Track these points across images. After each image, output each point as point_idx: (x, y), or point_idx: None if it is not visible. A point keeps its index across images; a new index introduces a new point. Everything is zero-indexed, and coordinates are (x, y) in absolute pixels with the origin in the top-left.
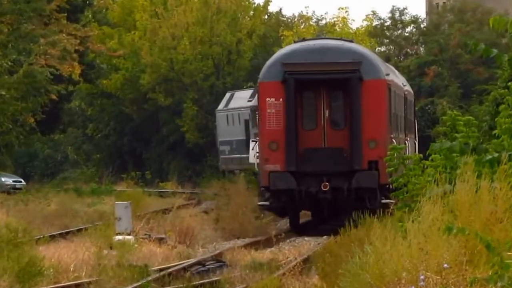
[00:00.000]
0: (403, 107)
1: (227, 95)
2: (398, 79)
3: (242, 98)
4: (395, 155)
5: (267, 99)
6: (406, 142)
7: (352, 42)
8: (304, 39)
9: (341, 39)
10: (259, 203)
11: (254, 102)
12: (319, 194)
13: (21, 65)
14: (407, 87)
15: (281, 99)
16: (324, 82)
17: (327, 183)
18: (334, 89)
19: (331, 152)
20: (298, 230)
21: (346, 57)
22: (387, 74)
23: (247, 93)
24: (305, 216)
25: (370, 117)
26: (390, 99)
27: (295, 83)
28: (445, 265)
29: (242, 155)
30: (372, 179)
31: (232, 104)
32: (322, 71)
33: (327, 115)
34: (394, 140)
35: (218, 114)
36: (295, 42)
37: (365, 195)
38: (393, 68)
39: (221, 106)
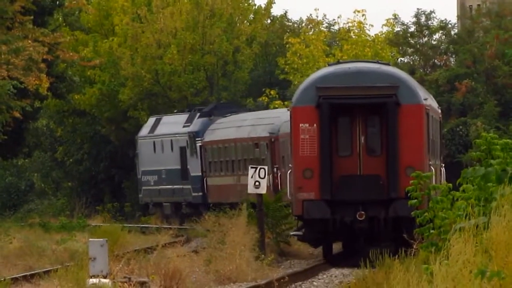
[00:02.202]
0: (439, 132)
1: (152, 120)
2: (434, 102)
3: (174, 123)
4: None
5: (300, 125)
6: (442, 169)
7: (389, 65)
8: (339, 62)
9: (377, 62)
10: (292, 233)
11: (192, 127)
12: (354, 224)
13: None
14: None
15: (315, 125)
16: (360, 107)
17: (363, 212)
18: (370, 114)
19: (367, 179)
20: (331, 261)
21: (382, 81)
22: (425, 99)
23: (180, 117)
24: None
25: (408, 143)
26: (428, 124)
27: (329, 107)
28: None
29: (175, 186)
30: (410, 208)
31: (160, 130)
32: (358, 95)
33: (362, 141)
34: (432, 167)
35: (141, 141)
36: (329, 64)
37: (403, 225)
38: (427, 91)
39: (144, 132)
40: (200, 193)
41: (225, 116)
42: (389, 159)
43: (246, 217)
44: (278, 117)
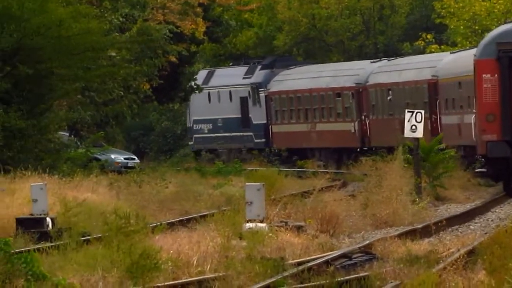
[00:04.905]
0: None
1: (203, 72)
2: None
3: (231, 75)
4: None
5: (483, 75)
6: None
7: None
8: None
9: None
10: (476, 170)
11: (254, 78)
12: None
13: (134, 21)
14: None
15: (496, 75)
16: None
17: None
18: None
19: None
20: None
21: None
22: None
23: (237, 70)
24: None
25: None
26: None
27: (508, 60)
28: None
29: (234, 134)
30: None
31: (215, 82)
32: None
33: None
34: None
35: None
36: (505, 22)
37: None
38: None
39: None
40: (263, 140)
41: (290, 68)
42: None
43: (402, 161)
44: (363, 68)
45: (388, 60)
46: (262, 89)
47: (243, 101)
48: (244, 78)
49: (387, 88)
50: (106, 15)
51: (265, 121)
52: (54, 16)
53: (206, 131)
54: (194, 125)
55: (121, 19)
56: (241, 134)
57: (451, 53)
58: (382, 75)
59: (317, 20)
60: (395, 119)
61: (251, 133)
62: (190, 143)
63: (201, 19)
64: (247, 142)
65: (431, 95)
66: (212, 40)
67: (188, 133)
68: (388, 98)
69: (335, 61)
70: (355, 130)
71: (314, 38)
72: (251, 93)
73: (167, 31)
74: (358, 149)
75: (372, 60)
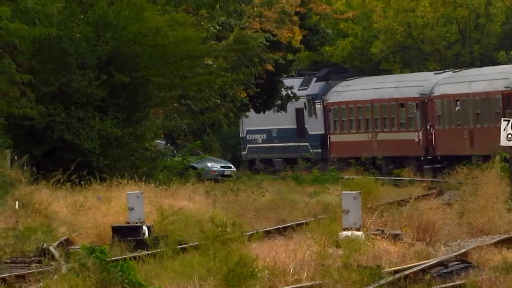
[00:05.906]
0: None
1: None
2: None
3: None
4: None
5: None
6: None
7: None
8: None
9: None
10: None
11: (310, 90)
12: None
13: (231, 29)
14: None
15: None
16: None
17: None
18: None
19: None
20: None
21: None
22: None
23: (289, 81)
24: None
25: None
26: None
27: None
28: None
29: (290, 144)
30: None
31: None
32: None
33: None
34: None
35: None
36: None
37: None
38: None
39: None
40: (320, 150)
41: (349, 80)
42: None
43: (498, 170)
44: (427, 80)
45: (454, 72)
46: (318, 101)
47: (299, 112)
48: (299, 89)
49: (455, 99)
50: (202, 23)
51: (322, 132)
52: (150, 24)
53: (260, 141)
54: (248, 135)
55: (217, 27)
56: (297, 144)
57: None
58: (449, 86)
59: (413, 29)
60: (464, 129)
61: (307, 143)
62: (244, 152)
63: (298, 28)
64: (302, 152)
65: (504, 105)
66: (309, 48)
67: (241, 143)
68: (457, 108)
69: (431, 70)
70: (419, 140)
71: (410, 47)
72: (306, 105)
73: (264, 39)
74: (422, 158)
75: (436, 72)
